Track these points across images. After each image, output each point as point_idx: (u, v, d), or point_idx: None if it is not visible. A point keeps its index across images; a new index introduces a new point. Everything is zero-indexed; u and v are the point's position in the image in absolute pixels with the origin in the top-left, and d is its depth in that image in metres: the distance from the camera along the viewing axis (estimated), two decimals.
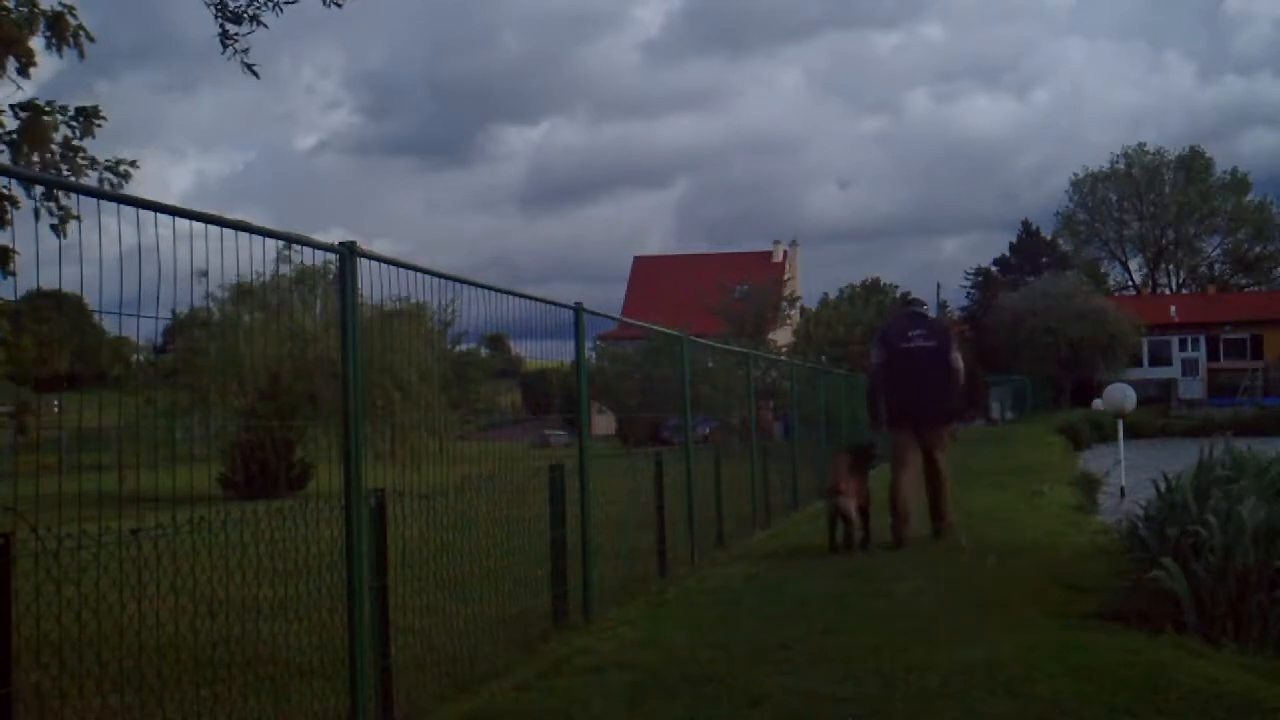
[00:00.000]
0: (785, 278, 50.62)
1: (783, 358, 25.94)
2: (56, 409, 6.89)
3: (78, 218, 5.60)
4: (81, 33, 7.33)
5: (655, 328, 12.35)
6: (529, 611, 6.71)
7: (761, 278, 46.17)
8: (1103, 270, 72.87)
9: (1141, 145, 72.60)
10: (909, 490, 10.20)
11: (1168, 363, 54.34)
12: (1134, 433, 27.28)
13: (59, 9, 7.29)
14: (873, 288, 52.90)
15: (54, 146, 7.08)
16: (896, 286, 52.91)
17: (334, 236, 4.86)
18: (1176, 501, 7.13)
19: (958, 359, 10.52)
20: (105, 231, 3.74)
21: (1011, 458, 22.21)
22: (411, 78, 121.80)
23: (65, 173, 7.06)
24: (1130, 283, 74.46)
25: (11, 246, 6.53)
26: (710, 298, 39.92)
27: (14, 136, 6.95)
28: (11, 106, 7.05)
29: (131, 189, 7.25)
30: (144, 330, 3.89)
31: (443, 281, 5.77)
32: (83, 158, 7.21)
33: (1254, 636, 6.01)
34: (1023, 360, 47.66)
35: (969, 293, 63.08)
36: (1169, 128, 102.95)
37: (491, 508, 6.44)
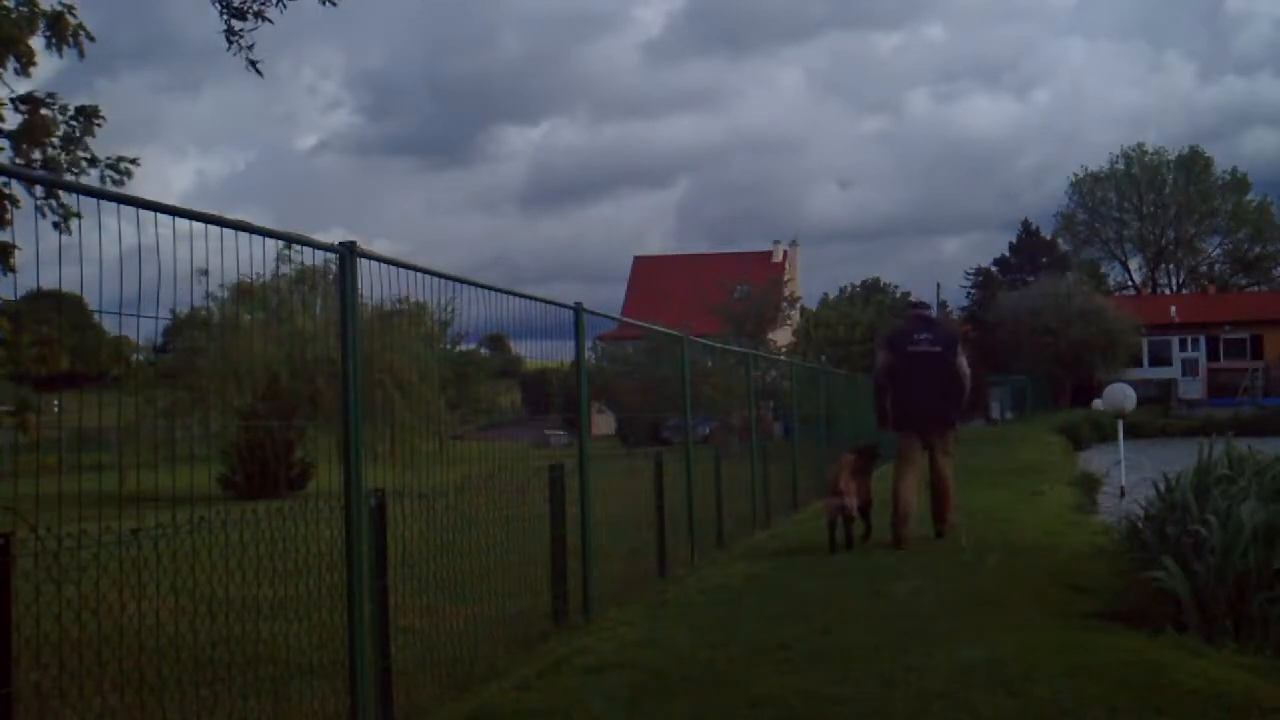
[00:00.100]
0: (785, 278, 50.57)
1: (782, 358, 25.94)
2: (57, 409, 6.89)
3: (78, 215, 5.61)
4: (81, 32, 7.35)
5: (655, 328, 12.34)
6: (529, 611, 6.71)
7: (761, 278, 46.15)
8: (1103, 270, 72.88)
9: (1141, 145, 72.65)
10: (911, 492, 10.21)
11: (1168, 363, 54.30)
12: (1134, 433, 27.27)
13: (59, 9, 7.31)
14: (873, 288, 52.94)
15: (54, 139, 7.10)
16: (896, 286, 53.09)
17: (334, 236, 4.87)
18: (1176, 501, 7.14)
19: (964, 364, 10.55)
20: (105, 231, 3.75)
21: (1011, 458, 22.21)
22: (412, 78, 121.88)
23: (66, 168, 7.08)
24: (1130, 283, 74.48)
25: (12, 242, 6.54)
26: (710, 298, 39.89)
27: (15, 131, 6.96)
28: (12, 99, 7.06)
29: (132, 188, 7.26)
30: (144, 330, 3.90)
31: (443, 281, 5.77)
32: (82, 151, 7.23)
33: (1254, 636, 6.01)
34: (1023, 360, 47.64)
35: (969, 293, 63.10)
36: (1169, 128, 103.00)
37: (491, 508, 6.44)
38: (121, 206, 3.76)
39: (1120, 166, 72.30)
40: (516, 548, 6.68)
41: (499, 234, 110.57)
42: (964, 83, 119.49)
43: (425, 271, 5.60)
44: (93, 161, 7.35)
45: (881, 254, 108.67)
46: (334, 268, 4.88)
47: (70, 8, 7.31)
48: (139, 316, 3.78)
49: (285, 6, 8.10)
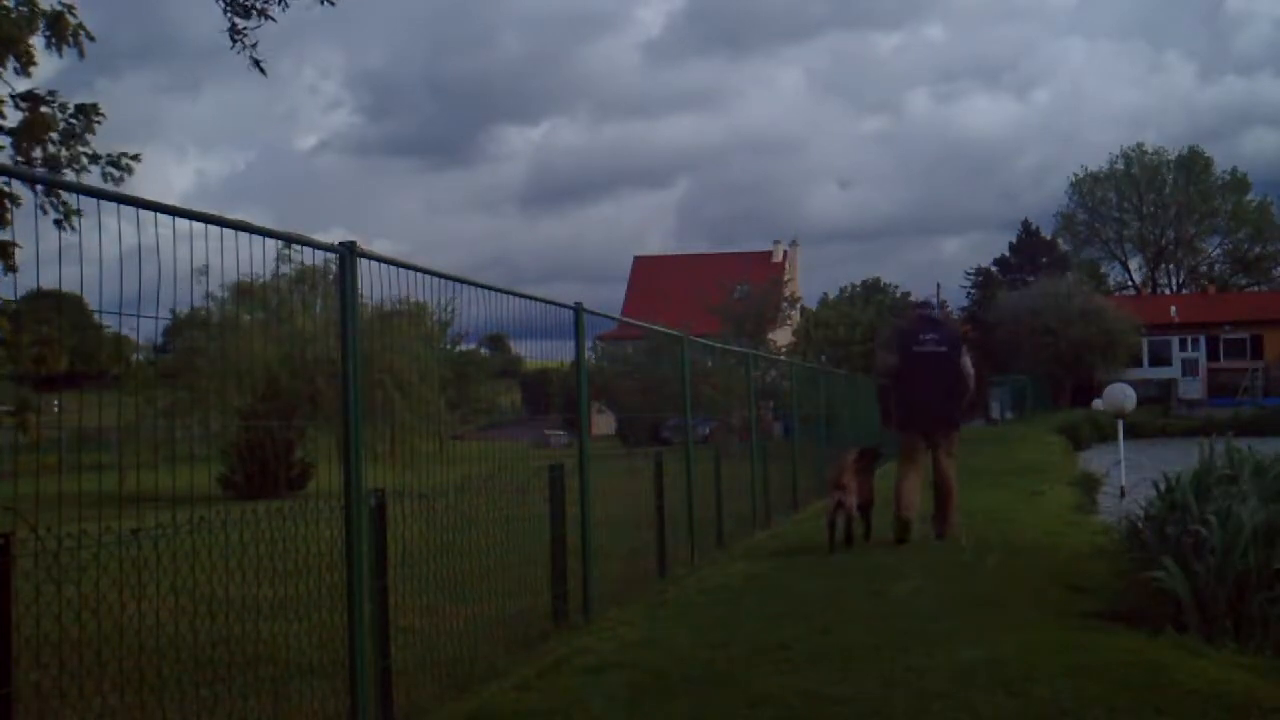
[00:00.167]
0: (785, 278, 50.59)
1: (782, 358, 25.94)
2: (57, 409, 6.89)
3: (79, 212, 5.61)
4: (81, 32, 7.34)
5: (655, 328, 12.34)
6: (529, 611, 6.71)
7: (761, 278, 46.15)
8: (1103, 270, 72.87)
9: (1141, 145, 72.63)
10: (914, 491, 10.22)
11: (1168, 363, 54.29)
12: (1134, 433, 27.26)
13: (59, 8, 7.30)
14: (873, 288, 52.90)
15: (54, 135, 7.10)
16: (896, 286, 53.01)
17: (334, 236, 4.86)
18: (1176, 501, 7.14)
19: (968, 364, 10.56)
20: (105, 231, 3.75)
21: (1011, 458, 22.19)
22: (412, 78, 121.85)
23: (66, 164, 7.08)
24: (1130, 283, 74.47)
25: (13, 240, 6.53)
26: (710, 298, 39.90)
27: (15, 129, 6.96)
28: (12, 96, 7.06)
29: (132, 188, 7.26)
30: (144, 330, 3.90)
31: (443, 281, 5.77)
32: (82, 146, 7.23)
33: (1254, 636, 6.01)
34: (1023, 360, 47.63)
35: (969, 293, 63.11)
36: (1169, 128, 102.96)
37: (491, 508, 6.44)
38: (121, 206, 3.76)
39: (1120, 166, 72.33)
40: (516, 548, 6.68)
41: (499, 234, 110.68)
42: (964, 83, 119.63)
43: (425, 271, 5.60)
44: (94, 158, 7.35)
45: (881, 254, 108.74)
46: (334, 268, 4.88)
47: (70, 7, 7.31)
48: (139, 316, 3.79)
49: (288, 5, 8.11)
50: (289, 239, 4.72)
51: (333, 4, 8.48)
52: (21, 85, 7.16)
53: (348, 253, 4.77)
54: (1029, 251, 65.41)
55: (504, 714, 5.14)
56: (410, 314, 10.83)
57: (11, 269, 6.40)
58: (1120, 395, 20.70)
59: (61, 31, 7.25)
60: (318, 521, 4.83)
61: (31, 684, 4.05)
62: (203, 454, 12.82)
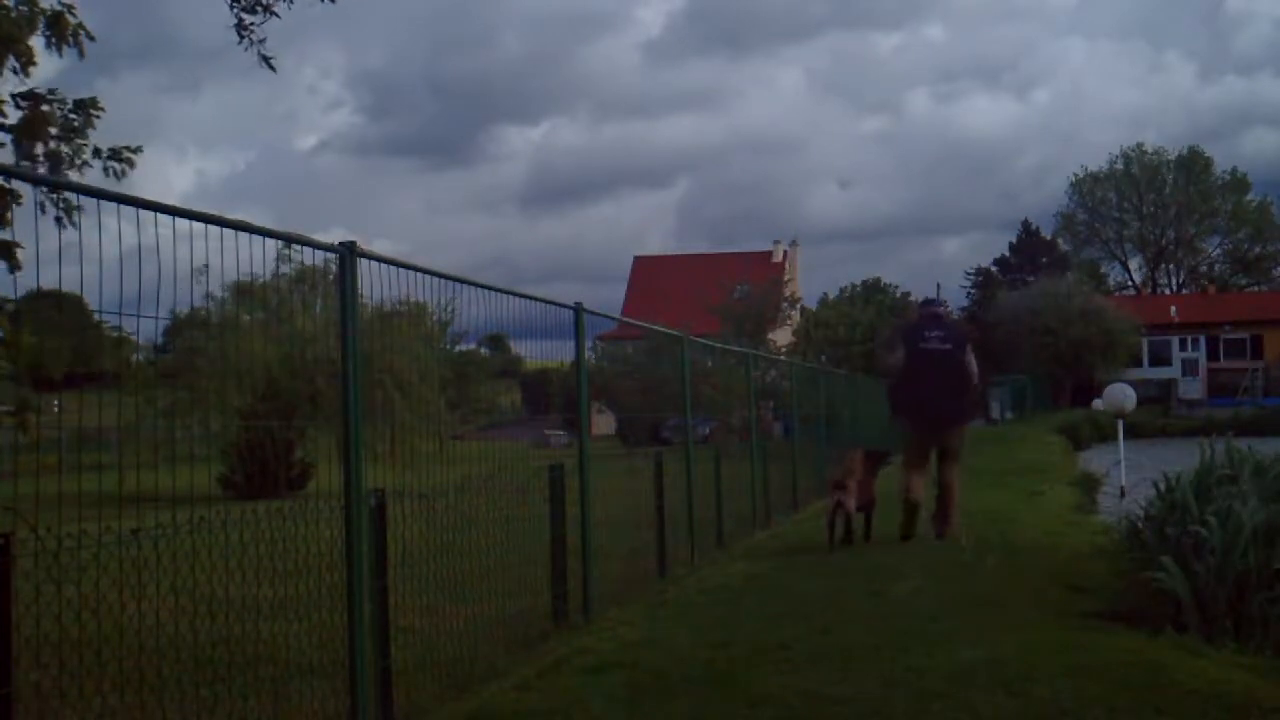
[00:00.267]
0: (785, 278, 50.60)
1: (782, 358, 25.94)
2: (57, 409, 6.89)
3: (79, 208, 5.61)
4: (81, 32, 7.34)
5: (655, 328, 12.35)
6: (529, 611, 6.71)
7: (761, 278, 46.14)
8: (1103, 270, 72.81)
9: (1141, 145, 72.59)
10: (919, 488, 10.24)
11: (1168, 363, 54.26)
12: (1134, 433, 27.24)
13: (58, 8, 7.30)
14: (873, 288, 52.87)
15: (53, 130, 7.09)
16: (896, 286, 52.93)
17: (334, 236, 4.87)
18: (1176, 501, 7.14)
19: (972, 362, 10.56)
20: (105, 231, 3.75)
21: (1011, 458, 22.19)
22: (412, 78, 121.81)
23: (66, 157, 7.07)
24: (1130, 283, 74.41)
25: (14, 240, 6.53)
26: (710, 298, 39.90)
27: (16, 126, 6.96)
28: (13, 96, 7.06)
29: (132, 187, 7.26)
30: (144, 330, 3.90)
31: (443, 281, 5.77)
32: (80, 139, 7.22)
33: (1254, 636, 6.01)
34: (1023, 360, 47.61)
35: (969, 293, 63.11)
36: (1169, 128, 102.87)
37: (491, 508, 6.44)
38: (121, 206, 3.76)
39: (1120, 166, 72.25)
40: (516, 548, 6.68)
41: (499, 234, 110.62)
42: (964, 83, 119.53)
43: (425, 271, 5.60)
44: (95, 152, 7.36)
45: (881, 254, 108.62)
46: (334, 268, 4.88)
47: (70, 7, 7.31)
48: (139, 316, 3.79)
49: (292, 1, 8.11)
50: (289, 239, 4.72)
51: (333, 1, 8.49)
52: (23, 87, 7.17)
53: (348, 253, 4.77)
54: (1029, 251, 65.44)
55: (504, 714, 5.14)
56: (410, 314, 10.83)
57: (16, 268, 6.40)
58: (1120, 395, 20.70)
59: (61, 31, 7.25)
60: (318, 521, 4.83)
61: (31, 684, 4.05)
62: (203, 454, 12.82)
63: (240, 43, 7.97)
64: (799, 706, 5.01)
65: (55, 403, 7.07)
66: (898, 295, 51.42)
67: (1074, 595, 7.28)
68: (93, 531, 3.72)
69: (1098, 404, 29.82)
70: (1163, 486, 7.61)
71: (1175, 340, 54.99)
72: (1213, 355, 55.08)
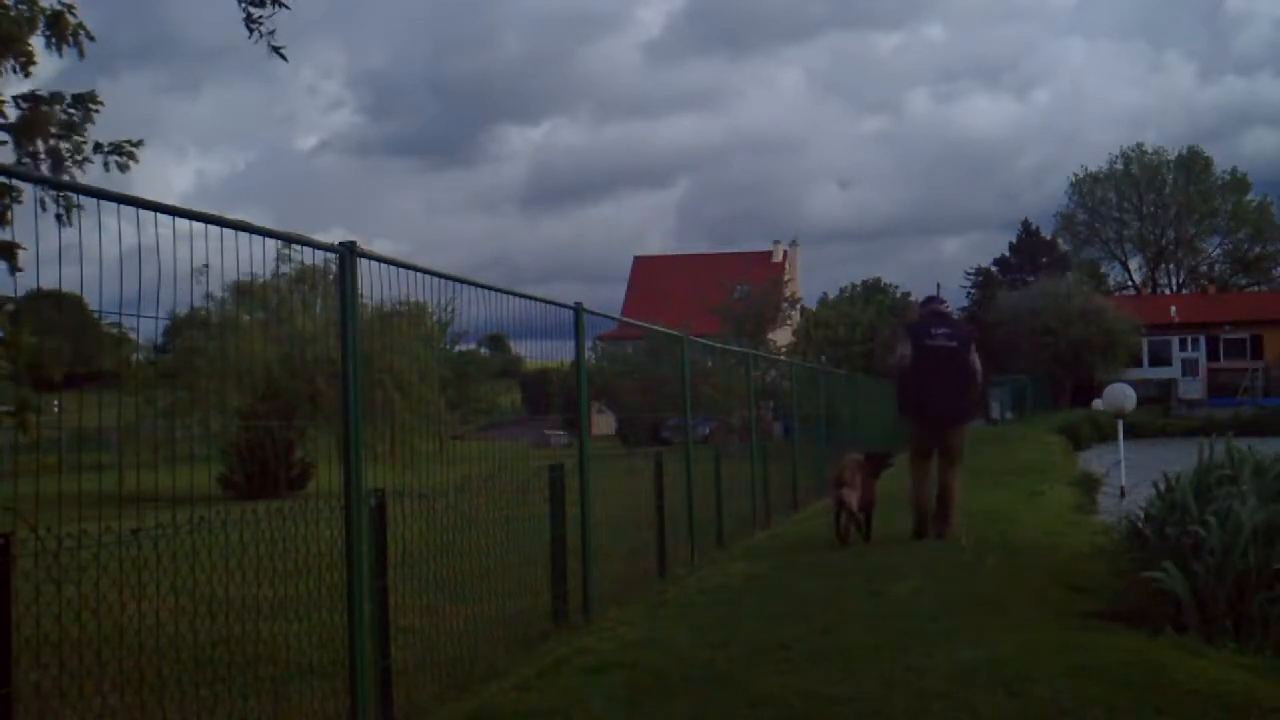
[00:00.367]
0: (785, 278, 50.60)
1: (782, 358, 25.94)
2: (57, 409, 6.89)
3: (79, 206, 5.60)
4: (81, 32, 7.34)
5: (655, 328, 12.35)
6: (529, 611, 6.71)
7: (761, 278, 46.16)
8: (1103, 270, 72.82)
9: (1141, 145, 72.58)
10: (926, 490, 10.25)
11: (1168, 363, 54.25)
12: (1134, 433, 27.23)
13: (58, 8, 7.30)
14: (873, 288, 52.87)
15: (52, 128, 7.09)
16: (896, 286, 52.95)
17: (334, 236, 4.87)
18: (1176, 501, 7.13)
19: (976, 361, 10.58)
20: (105, 231, 3.75)
21: (1011, 458, 22.19)
22: (413, 78, 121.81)
23: (68, 155, 7.07)
24: (1130, 283, 74.40)
25: (14, 240, 6.53)
26: (710, 298, 39.91)
27: (15, 124, 6.95)
28: (14, 97, 7.06)
29: (132, 187, 7.26)
30: (144, 330, 3.90)
31: (443, 281, 5.77)
32: (79, 136, 7.22)
33: (1254, 636, 6.01)
34: (1022, 360, 47.61)
35: (969, 293, 63.09)
36: (1169, 128, 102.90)
37: (491, 508, 6.44)
38: (121, 206, 3.76)
39: (1120, 166, 72.26)
40: (516, 548, 6.68)
41: (499, 234, 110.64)
42: (964, 83, 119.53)
43: (425, 271, 5.60)
44: (96, 147, 7.35)
45: (881, 254, 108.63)
46: (334, 268, 4.88)
47: (70, 7, 7.30)
48: (139, 316, 3.79)
49: None
50: (289, 239, 4.72)
51: None
52: (22, 87, 7.17)
53: (348, 253, 4.77)
54: (1029, 251, 65.44)
55: (504, 714, 5.14)
56: (410, 314, 10.83)
57: (17, 269, 6.39)
58: (1120, 395, 20.70)
59: (61, 31, 7.25)
60: (318, 521, 4.83)
61: (31, 684, 4.05)
62: (203, 454, 12.82)
63: (250, 36, 7.96)
64: (799, 706, 5.01)
65: (55, 403, 7.07)
66: (898, 295, 51.43)
67: (1074, 595, 7.28)
68: (93, 531, 3.72)
69: (1098, 404, 29.82)
70: (1162, 486, 7.61)
71: (1175, 340, 54.99)
72: (1213, 355, 55.08)
